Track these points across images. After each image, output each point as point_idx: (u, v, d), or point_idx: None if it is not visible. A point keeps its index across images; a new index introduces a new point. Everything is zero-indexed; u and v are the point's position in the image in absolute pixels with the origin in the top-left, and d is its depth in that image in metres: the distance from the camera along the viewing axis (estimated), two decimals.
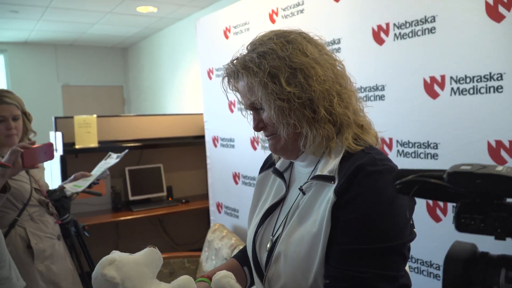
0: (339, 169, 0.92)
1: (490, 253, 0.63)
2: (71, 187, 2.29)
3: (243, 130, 3.08)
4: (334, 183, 0.91)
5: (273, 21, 2.77)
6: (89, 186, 2.36)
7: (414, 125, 1.93)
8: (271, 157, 1.20)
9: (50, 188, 2.26)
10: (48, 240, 2.02)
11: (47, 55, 7.08)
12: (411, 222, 0.92)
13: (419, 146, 1.92)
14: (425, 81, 1.87)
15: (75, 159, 3.56)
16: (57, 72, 7.18)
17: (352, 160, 0.91)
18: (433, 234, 1.86)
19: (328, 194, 0.90)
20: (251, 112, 1.04)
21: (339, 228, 0.88)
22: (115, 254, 0.89)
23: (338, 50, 2.28)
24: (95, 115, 3.58)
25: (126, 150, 2.70)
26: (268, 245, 1.02)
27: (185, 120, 4.24)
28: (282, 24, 2.68)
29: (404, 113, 1.96)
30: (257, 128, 1.02)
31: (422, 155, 1.90)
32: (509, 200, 0.61)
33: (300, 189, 0.98)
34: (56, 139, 3.43)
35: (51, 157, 1.97)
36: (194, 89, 5.29)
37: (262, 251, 1.04)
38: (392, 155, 2.00)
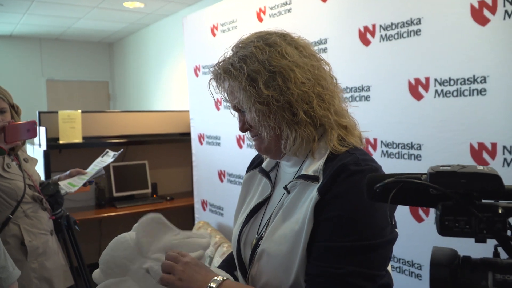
0: (323, 169, 0.93)
1: (472, 257, 0.63)
2: (66, 186, 2.28)
3: (229, 128, 3.07)
4: (318, 183, 0.92)
5: (260, 19, 2.77)
6: (84, 185, 2.36)
7: (398, 126, 1.95)
8: (258, 156, 1.22)
9: (42, 179, 2.24)
10: (41, 236, 2.00)
11: (32, 49, 6.97)
12: (393, 223, 0.93)
13: (403, 147, 1.94)
14: (410, 83, 1.89)
15: (59, 155, 3.51)
16: (41, 67, 7.08)
17: (336, 161, 0.92)
18: (415, 234, 1.88)
19: (312, 193, 0.91)
20: (237, 113, 1.05)
21: (319, 226, 0.89)
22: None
23: (324, 50, 2.28)
24: (79, 111, 3.53)
25: (121, 150, 2.69)
26: (253, 243, 1.03)
27: (171, 117, 4.21)
28: (270, 23, 2.68)
29: (389, 114, 1.98)
30: (242, 129, 1.04)
31: (405, 156, 1.92)
32: (486, 201, 0.62)
33: (285, 188, 1.00)
34: (40, 134, 3.39)
35: (34, 135, 1.97)
36: (181, 86, 5.26)
37: (247, 249, 1.05)
38: (376, 156, 2.02)
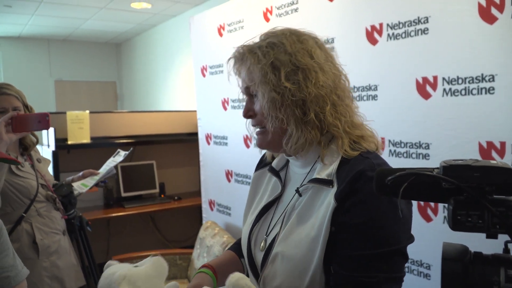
0: (337, 173, 0.92)
1: (484, 253, 0.62)
2: (79, 187, 2.32)
3: (236, 128, 3.08)
4: (332, 187, 0.91)
5: (267, 19, 2.77)
6: (96, 185, 2.40)
7: (406, 125, 1.94)
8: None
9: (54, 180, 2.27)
10: (53, 235, 2.02)
11: (40, 50, 7.03)
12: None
13: (411, 146, 1.93)
14: (417, 82, 1.89)
15: (68, 155, 3.54)
16: (50, 67, 7.13)
17: (350, 165, 0.91)
18: (423, 234, 1.87)
19: (327, 198, 0.91)
20: (245, 97, 1.05)
21: (343, 233, 0.88)
22: (124, 269, 0.90)
23: (331, 50, 2.27)
24: (87, 111, 3.56)
25: (132, 148, 2.72)
26: (262, 244, 1.03)
27: (178, 117, 4.23)
28: (277, 23, 2.68)
29: (396, 113, 1.97)
30: (246, 115, 1.03)
31: (414, 155, 1.92)
32: (498, 196, 0.61)
33: (297, 190, 0.99)
34: (49, 135, 3.41)
35: (46, 127, 1.95)
36: (188, 86, 5.27)
37: (257, 250, 1.05)
38: (384, 155, 2.00)
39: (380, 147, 1.01)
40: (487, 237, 0.60)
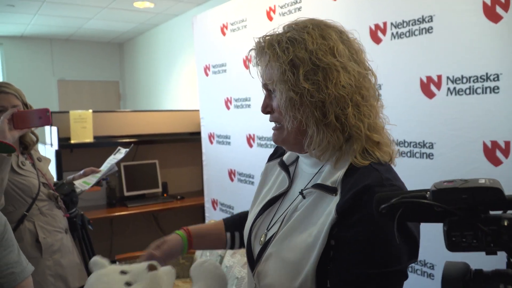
0: (342, 182, 0.89)
1: (484, 270, 0.63)
2: (81, 184, 2.32)
3: (239, 127, 3.08)
4: (335, 195, 0.88)
5: (270, 18, 2.76)
6: (97, 183, 2.39)
7: (410, 124, 1.93)
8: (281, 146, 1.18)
9: (54, 180, 2.27)
10: (56, 234, 2.02)
11: (43, 49, 7.04)
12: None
13: (414, 146, 1.92)
14: (421, 81, 1.88)
15: (70, 154, 3.54)
16: (52, 67, 7.14)
17: (357, 175, 0.87)
18: (426, 233, 1.86)
19: (329, 206, 0.88)
20: (264, 91, 1.02)
21: (344, 249, 0.85)
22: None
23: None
24: (90, 110, 3.56)
25: (132, 145, 2.72)
26: (262, 238, 1.02)
27: (181, 116, 4.23)
28: (280, 22, 2.66)
29: (400, 112, 1.97)
30: (264, 110, 1.01)
31: (417, 155, 1.91)
32: (492, 213, 0.62)
33: (301, 193, 0.97)
34: (52, 134, 3.42)
35: (47, 122, 1.94)
36: (191, 85, 5.27)
37: (256, 243, 1.04)
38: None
39: (394, 157, 0.96)
40: (487, 254, 0.62)
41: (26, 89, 2.10)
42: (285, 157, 1.11)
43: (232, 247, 1.27)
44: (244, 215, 1.23)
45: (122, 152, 2.62)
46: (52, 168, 3.42)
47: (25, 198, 1.93)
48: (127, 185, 3.85)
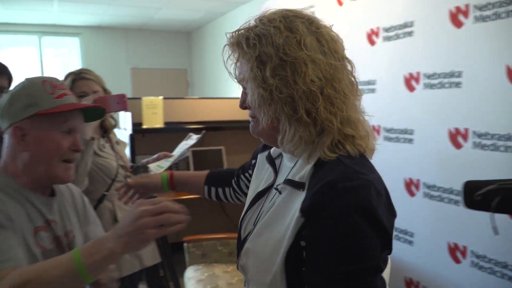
0: (311, 176, 0.86)
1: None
2: (155, 168, 2.41)
3: None
4: (303, 190, 0.86)
5: (340, 3, 2.68)
6: (169, 167, 2.46)
7: (494, 116, 1.80)
8: None
9: (130, 163, 2.38)
10: None
11: (118, 38, 7.38)
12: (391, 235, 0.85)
13: (498, 138, 1.79)
14: (508, 69, 1.74)
15: (142, 138, 3.69)
16: (127, 55, 7.48)
17: (324, 170, 0.84)
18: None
19: (297, 203, 0.86)
20: (241, 87, 1.01)
21: (316, 249, 0.82)
22: None
23: (410, 33, 2.17)
24: (161, 97, 3.68)
25: (203, 132, 2.78)
26: (245, 235, 1.02)
27: None
28: (350, 6, 2.59)
29: (483, 102, 1.84)
30: (241, 106, 1.00)
31: (502, 148, 1.77)
32: None
33: (276, 188, 0.96)
34: (126, 119, 3.58)
35: (124, 108, 1.98)
36: None
37: (243, 237, 1.04)
38: (467, 148, 1.90)
39: (370, 150, 0.91)
40: None
41: (102, 76, 2.20)
42: (272, 150, 1.10)
43: (209, 198, 1.41)
44: (228, 172, 1.38)
45: (193, 138, 2.68)
46: (126, 152, 3.59)
47: (105, 179, 2.04)
48: (195, 169, 3.95)
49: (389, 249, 0.83)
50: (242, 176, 1.32)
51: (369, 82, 2.46)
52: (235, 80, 0.99)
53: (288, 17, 0.90)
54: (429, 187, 2.15)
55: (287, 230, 0.85)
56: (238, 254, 1.02)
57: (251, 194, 1.09)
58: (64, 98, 1.14)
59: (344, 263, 0.78)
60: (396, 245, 2.24)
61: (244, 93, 0.98)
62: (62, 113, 1.13)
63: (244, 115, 3.72)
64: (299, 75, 0.85)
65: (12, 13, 5.89)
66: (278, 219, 0.90)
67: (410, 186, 2.23)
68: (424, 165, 2.18)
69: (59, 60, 7.15)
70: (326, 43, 0.89)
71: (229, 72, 0.99)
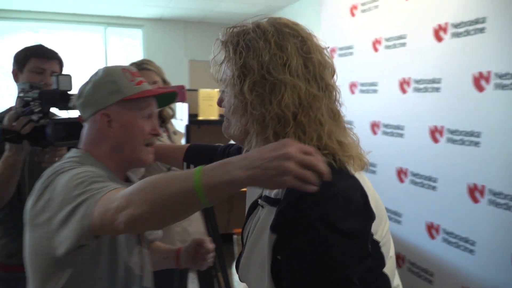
0: (285, 192, 0.83)
1: None
2: None
3: (363, 114, 2.96)
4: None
5: None
6: None
7: None
8: None
9: None
10: None
11: (177, 31, 7.55)
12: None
13: None
14: None
15: (198, 129, 3.77)
16: (185, 47, 7.64)
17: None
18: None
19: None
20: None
21: (290, 263, 0.80)
22: None
23: (482, 30, 2.05)
24: (217, 90, 3.73)
25: None
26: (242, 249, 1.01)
27: None
28: (415, 2, 2.48)
29: None
30: (219, 104, 0.99)
31: None
32: None
33: (259, 203, 0.93)
34: (183, 110, 3.66)
35: (182, 99, 1.95)
36: None
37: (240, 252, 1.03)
38: None
39: (357, 165, 0.87)
40: None
41: (161, 67, 2.24)
42: None
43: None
44: (207, 148, 1.37)
45: None
46: (182, 142, 3.67)
47: (161, 168, 2.09)
48: None
49: (366, 256, 0.80)
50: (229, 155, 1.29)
51: (434, 81, 2.34)
52: (215, 79, 0.97)
53: (283, 33, 0.88)
54: (495, 194, 2.02)
55: (266, 248, 0.84)
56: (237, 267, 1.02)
57: (248, 202, 1.09)
58: (142, 85, 1.18)
59: (316, 277, 0.77)
60: (455, 253, 2.25)
61: (223, 93, 0.97)
62: (144, 98, 1.17)
63: None
64: (276, 96, 0.83)
65: (80, 4, 6.17)
66: (261, 235, 0.88)
67: (474, 192, 2.11)
68: (491, 171, 2.05)
69: (123, 50, 7.43)
70: (313, 69, 0.87)
71: (212, 71, 0.97)
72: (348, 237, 0.77)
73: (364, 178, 0.88)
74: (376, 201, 0.87)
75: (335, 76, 0.93)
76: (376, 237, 0.84)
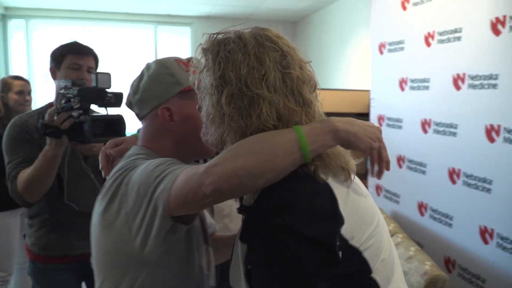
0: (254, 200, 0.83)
1: None
2: None
3: (413, 111, 2.86)
4: None
5: None
6: None
7: None
8: None
9: None
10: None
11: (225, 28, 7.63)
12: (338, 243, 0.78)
13: None
14: None
15: None
16: None
17: (264, 193, 0.81)
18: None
19: None
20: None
21: (255, 273, 0.80)
22: None
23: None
24: None
25: None
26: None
27: (349, 96, 4.13)
28: None
29: None
30: (199, 110, 0.96)
31: None
32: None
33: (239, 212, 0.92)
34: None
35: None
36: (361, 65, 5.10)
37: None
38: None
39: (324, 174, 0.83)
40: None
41: None
42: None
43: None
44: None
45: None
46: None
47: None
48: None
49: (335, 260, 0.77)
50: None
51: (490, 77, 2.21)
52: (192, 85, 0.95)
53: (263, 46, 0.87)
54: None
55: (240, 256, 0.85)
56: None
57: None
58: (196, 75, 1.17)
59: (281, 285, 0.75)
60: (510, 259, 2.12)
61: (202, 100, 0.94)
62: None
63: (345, 107, 3.63)
64: (255, 110, 0.83)
65: (132, 4, 6.36)
66: (236, 244, 0.88)
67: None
68: None
69: (172, 48, 7.59)
70: (291, 84, 0.86)
71: (191, 78, 0.95)
72: (311, 243, 0.75)
73: (356, 184, 0.90)
74: (362, 205, 0.85)
75: (317, 90, 0.94)
76: (353, 242, 0.79)
